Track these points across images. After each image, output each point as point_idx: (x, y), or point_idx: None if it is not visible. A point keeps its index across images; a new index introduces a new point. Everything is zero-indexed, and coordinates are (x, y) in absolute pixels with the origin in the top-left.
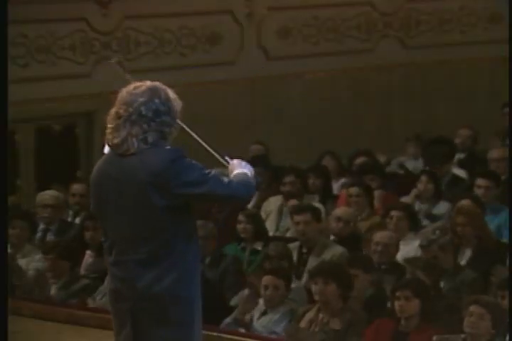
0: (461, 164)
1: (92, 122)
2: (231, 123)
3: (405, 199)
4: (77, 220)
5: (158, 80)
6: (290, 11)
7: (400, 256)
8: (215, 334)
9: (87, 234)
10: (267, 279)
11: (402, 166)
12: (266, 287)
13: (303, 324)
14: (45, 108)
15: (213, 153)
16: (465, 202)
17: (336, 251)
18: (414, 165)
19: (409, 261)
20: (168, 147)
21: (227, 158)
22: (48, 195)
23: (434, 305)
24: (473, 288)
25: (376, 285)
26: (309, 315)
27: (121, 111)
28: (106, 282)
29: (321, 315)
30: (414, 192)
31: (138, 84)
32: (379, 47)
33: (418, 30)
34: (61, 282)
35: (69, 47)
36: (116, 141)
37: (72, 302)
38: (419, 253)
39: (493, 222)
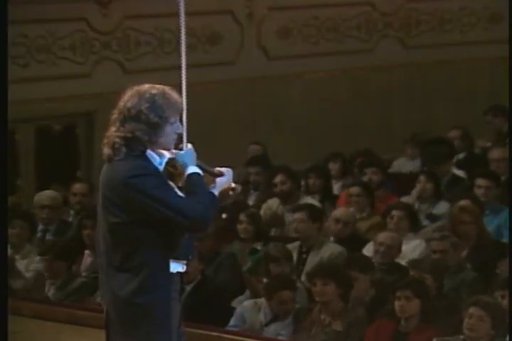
0: (459, 164)
1: (92, 122)
2: (231, 123)
3: (405, 199)
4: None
5: (158, 80)
6: (290, 11)
7: (401, 257)
8: (214, 334)
9: (85, 233)
10: (284, 295)
11: (400, 167)
12: (284, 302)
13: (305, 325)
14: (45, 108)
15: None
16: (464, 202)
17: (335, 249)
18: (413, 165)
19: (413, 263)
20: (135, 162)
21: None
22: (45, 196)
23: (434, 306)
24: (473, 288)
25: (377, 286)
26: (311, 316)
27: (113, 116)
28: None
29: (322, 316)
30: (414, 192)
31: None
32: (379, 47)
33: (418, 30)
34: (58, 282)
35: (69, 47)
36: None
37: (71, 302)
38: (417, 253)
39: (493, 222)
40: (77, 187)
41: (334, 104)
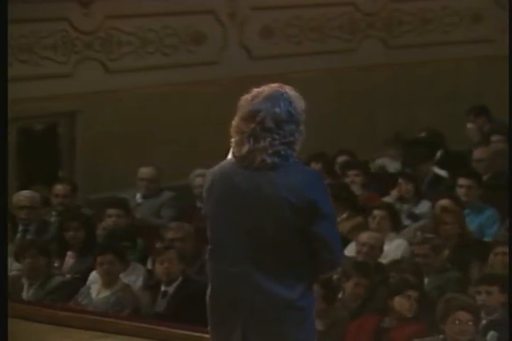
0: (440, 164)
1: (74, 122)
2: (214, 124)
3: (387, 199)
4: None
5: (140, 80)
6: (273, 11)
7: (383, 257)
8: (197, 334)
9: (68, 235)
10: None
11: (382, 168)
12: None
13: None
14: (27, 107)
15: None
16: (445, 202)
17: None
18: (395, 166)
19: (393, 264)
20: (307, 167)
21: None
22: (23, 196)
23: (417, 303)
24: (456, 287)
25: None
26: None
27: (243, 125)
28: (88, 283)
29: None
30: (393, 193)
31: (256, 91)
32: (362, 48)
33: (401, 30)
34: (37, 282)
35: (51, 47)
36: (242, 156)
37: (52, 302)
38: (399, 252)
39: (475, 221)
40: (59, 188)
41: (317, 103)
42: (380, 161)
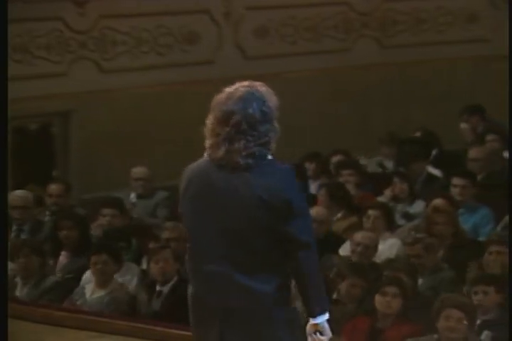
0: (435, 163)
1: (68, 121)
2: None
3: (381, 199)
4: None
5: (135, 80)
6: (267, 11)
7: (377, 256)
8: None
9: (62, 234)
10: None
11: (381, 165)
12: None
13: None
14: (21, 107)
15: None
16: (438, 202)
17: None
18: (389, 165)
19: (387, 263)
20: (281, 165)
21: None
22: (16, 196)
23: (411, 304)
24: (450, 287)
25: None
26: None
27: (218, 128)
28: (82, 283)
29: None
30: (387, 192)
31: (229, 91)
32: (356, 47)
33: (395, 29)
34: (31, 282)
35: (45, 47)
36: (218, 158)
37: (48, 303)
38: (394, 251)
39: (470, 220)
40: (53, 187)
41: (312, 103)
42: (377, 159)
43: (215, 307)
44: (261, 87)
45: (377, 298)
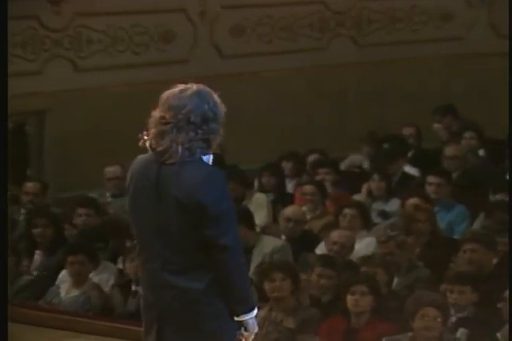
0: (412, 162)
1: (42, 120)
2: None
3: (357, 197)
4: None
5: (110, 78)
6: (243, 10)
7: (354, 255)
8: None
9: (36, 232)
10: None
11: (356, 166)
12: None
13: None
14: None
15: None
16: (416, 200)
17: (276, 243)
18: (367, 163)
19: (364, 259)
20: (207, 166)
21: None
22: None
23: (385, 302)
24: (426, 285)
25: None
26: (260, 314)
27: (168, 116)
28: (57, 282)
29: (273, 314)
30: (364, 189)
31: (183, 87)
32: (332, 46)
33: (370, 28)
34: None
35: (20, 45)
36: (160, 148)
37: (22, 301)
38: (370, 250)
39: (445, 218)
40: (30, 186)
41: (288, 102)
42: (351, 159)
43: (153, 304)
44: (212, 92)
45: (348, 296)
